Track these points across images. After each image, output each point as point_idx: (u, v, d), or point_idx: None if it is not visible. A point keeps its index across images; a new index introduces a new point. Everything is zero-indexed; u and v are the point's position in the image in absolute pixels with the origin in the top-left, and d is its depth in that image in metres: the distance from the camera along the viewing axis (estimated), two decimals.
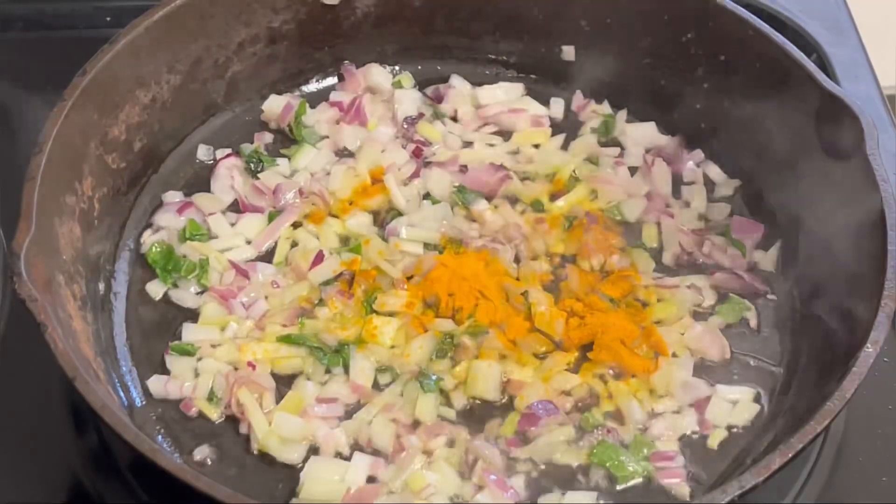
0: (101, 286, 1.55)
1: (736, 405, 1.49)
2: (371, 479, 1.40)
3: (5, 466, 1.44)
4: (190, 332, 1.53)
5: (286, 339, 1.51)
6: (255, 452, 1.43)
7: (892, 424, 1.53)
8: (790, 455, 1.27)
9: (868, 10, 2.04)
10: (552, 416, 1.44)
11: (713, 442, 1.46)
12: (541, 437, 1.43)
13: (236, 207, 1.67)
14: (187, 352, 1.51)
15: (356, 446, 1.43)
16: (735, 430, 1.47)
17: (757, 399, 1.50)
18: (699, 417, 1.48)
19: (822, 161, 1.55)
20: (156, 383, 1.48)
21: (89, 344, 1.43)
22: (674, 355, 1.52)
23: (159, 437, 1.44)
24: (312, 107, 1.78)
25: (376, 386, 1.49)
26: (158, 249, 1.59)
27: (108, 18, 1.99)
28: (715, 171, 1.74)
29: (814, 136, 1.56)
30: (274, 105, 1.77)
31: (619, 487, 1.41)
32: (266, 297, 1.56)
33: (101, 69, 1.53)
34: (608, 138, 1.78)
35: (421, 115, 1.79)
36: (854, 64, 1.92)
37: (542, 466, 1.43)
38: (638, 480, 1.41)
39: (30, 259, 1.32)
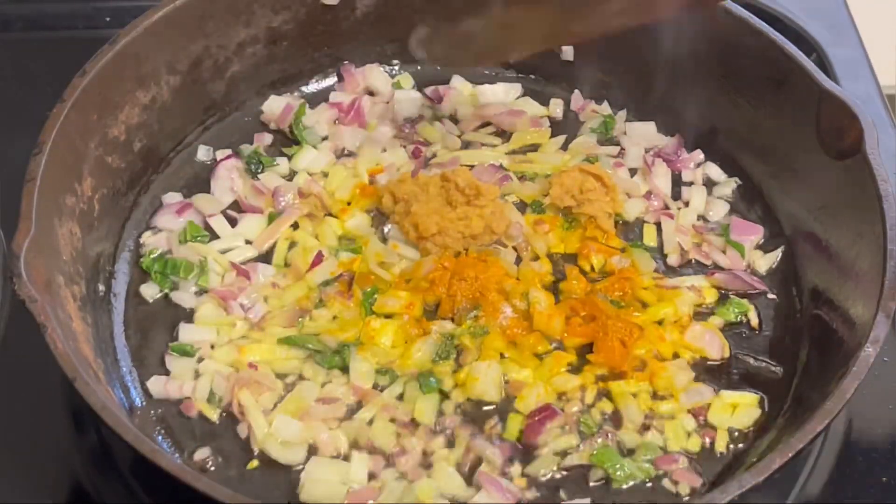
0: (101, 287, 1.55)
1: (738, 409, 1.48)
2: (371, 479, 1.40)
3: (5, 466, 1.44)
4: (186, 333, 1.53)
5: (286, 341, 1.51)
6: (256, 453, 1.43)
7: (892, 424, 1.53)
8: (790, 455, 1.27)
9: (868, 10, 2.04)
10: (555, 419, 1.44)
11: (717, 445, 1.46)
12: (545, 449, 1.43)
13: (236, 208, 1.67)
14: (186, 352, 1.51)
15: (356, 446, 1.43)
16: (736, 431, 1.47)
17: (760, 403, 1.49)
18: (701, 420, 1.47)
19: (821, 161, 1.55)
20: (156, 384, 1.48)
21: (89, 344, 1.43)
22: (675, 356, 1.52)
23: (159, 437, 1.44)
24: (312, 107, 1.78)
25: (377, 387, 1.49)
26: (153, 257, 1.59)
27: (108, 18, 1.99)
28: (715, 171, 1.74)
29: (813, 136, 1.56)
30: (274, 106, 1.77)
31: (619, 488, 1.41)
32: (266, 299, 1.56)
33: (101, 69, 1.53)
34: (608, 138, 1.78)
35: (421, 118, 1.79)
36: (854, 64, 1.92)
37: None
38: (638, 481, 1.41)
39: (29, 260, 1.32)
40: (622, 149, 1.77)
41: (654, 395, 1.49)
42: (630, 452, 1.44)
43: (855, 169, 1.49)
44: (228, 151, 1.73)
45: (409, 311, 1.53)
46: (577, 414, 1.47)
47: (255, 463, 1.42)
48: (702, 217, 1.70)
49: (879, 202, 1.45)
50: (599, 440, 1.44)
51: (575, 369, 1.51)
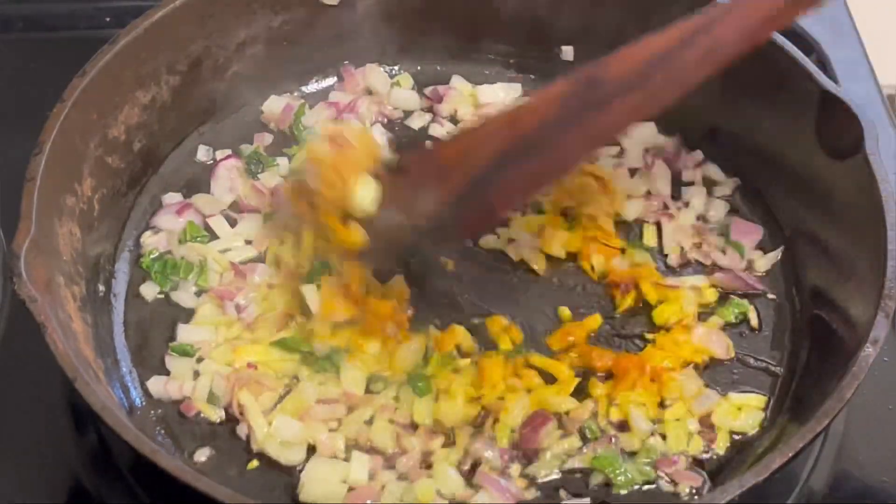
0: (101, 287, 1.55)
1: (743, 410, 1.48)
2: (371, 479, 1.40)
3: (5, 466, 1.44)
4: (186, 333, 1.53)
5: (279, 344, 1.50)
6: (256, 453, 1.43)
7: (892, 424, 1.53)
8: (790, 455, 1.27)
9: (868, 10, 2.04)
10: (549, 424, 1.43)
11: (717, 446, 1.45)
12: (546, 452, 1.42)
13: (236, 208, 1.67)
14: (186, 352, 1.50)
15: (356, 446, 1.43)
16: (737, 433, 1.47)
17: (765, 406, 1.49)
18: (707, 422, 1.47)
19: (821, 161, 1.55)
20: (156, 384, 1.48)
21: (89, 345, 1.43)
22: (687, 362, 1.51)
23: (159, 437, 1.44)
24: (312, 107, 1.78)
25: (370, 392, 1.48)
26: (152, 257, 1.59)
27: (108, 18, 1.99)
28: (714, 172, 1.74)
29: (813, 136, 1.56)
30: (273, 106, 1.77)
31: (619, 492, 1.41)
32: (261, 300, 1.55)
33: (101, 69, 1.53)
34: None
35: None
36: (854, 64, 1.92)
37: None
38: (638, 485, 1.41)
39: (30, 260, 1.32)
40: (622, 149, 1.77)
41: (662, 404, 1.48)
42: (631, 455, 1.43)
43: (855, 169, 1.49)
44: (228, 151, 1.73)
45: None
46: (581, 420, 1.46)
47: (255, 463, 1.42)
48: (702, 217, 1.70)
49: (879, 202, 1.45)
50: (602, 445, 1.43)
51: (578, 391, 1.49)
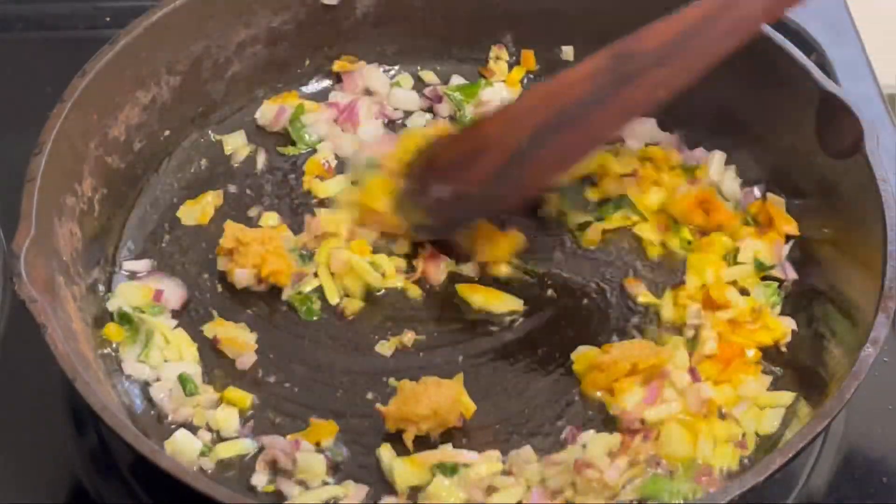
0: (101, 287, 1.55)
1: (764, 411, 1.45)
2: None
3: (5, 466, 1.44)
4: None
5: None
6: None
7: (892, 424, 1.54)
8: (790, 455, 1.27)
9: (868, 10, 2.05)
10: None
11: (748, 451, 1.42)
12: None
13: None
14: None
15: None
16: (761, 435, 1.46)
17: (791, 403, 1.46)
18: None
19: (822, 161, 1.56)
20: (156, 390, 1.47)
21: (89, 345, 1.43)
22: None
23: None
24: (311, 108, 1.78)
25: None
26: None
27: (108, 18, 1.99)
28: (715, 171, 1.73)
29: (813, 136, 1.56)
30: (267, 112, 1.76)
31: None
32: None
33: (101, 69, 1.53)
34: None
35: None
36: (854, 64, 1.92)
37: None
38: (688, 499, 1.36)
39: (30, 260, 1.32)
40: (623, 144, 1.76)
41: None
42: (674, 475, 1.38)
43: (855, 169, 1.49)
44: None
45: None
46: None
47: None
48: None
49: (879, 203, 1.45)
50: (651, 473, 1.37)
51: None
